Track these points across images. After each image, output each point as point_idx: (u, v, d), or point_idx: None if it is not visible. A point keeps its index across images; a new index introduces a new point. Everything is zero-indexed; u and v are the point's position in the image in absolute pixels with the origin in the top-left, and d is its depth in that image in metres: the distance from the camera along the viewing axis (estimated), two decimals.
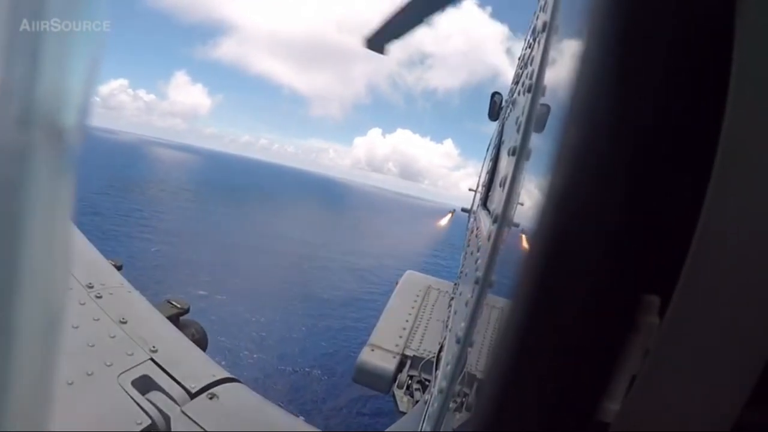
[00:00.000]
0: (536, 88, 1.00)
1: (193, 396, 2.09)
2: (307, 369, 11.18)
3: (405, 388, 3.53)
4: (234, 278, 16.29)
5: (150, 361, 2.19)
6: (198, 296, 12.98)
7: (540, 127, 0.87)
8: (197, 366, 2.30)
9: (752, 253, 0.40)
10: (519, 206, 0.96)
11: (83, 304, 2.38)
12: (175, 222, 25.19)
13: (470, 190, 5.44)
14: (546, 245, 0.41)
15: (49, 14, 0.25)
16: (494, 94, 3.88)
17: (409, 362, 3.72)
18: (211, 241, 22.34)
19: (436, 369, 3.21)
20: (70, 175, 0.27)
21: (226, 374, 2.31)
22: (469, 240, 2.97)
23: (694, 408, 0.44)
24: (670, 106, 0.38)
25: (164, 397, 2.05)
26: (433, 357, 3.61)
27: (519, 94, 1.50)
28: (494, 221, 1.13)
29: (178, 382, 2.11)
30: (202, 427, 1.93)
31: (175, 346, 2.40)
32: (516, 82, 2.19)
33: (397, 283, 5.38)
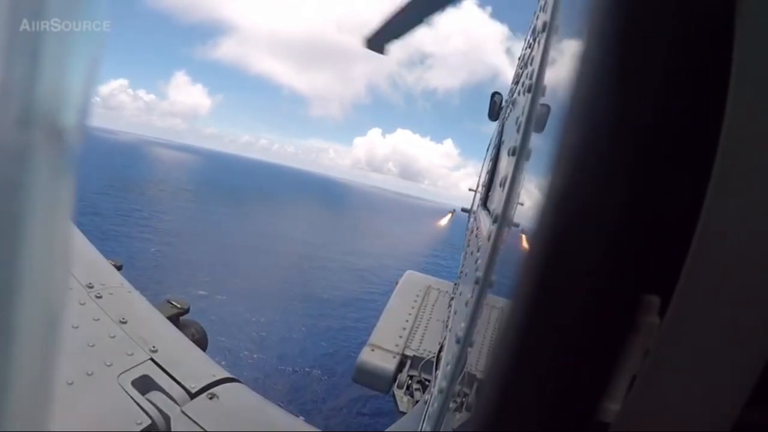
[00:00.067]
0: (536, 88, 1.00)
1: (193, 396, 2.09)
2: (307, 369, 11.18)
3: (405, 388, 3.53)
4: (234, 278, 16.29)
5: (150, 361, 2.19)
6: (198, 296, 12.98)
7: (540, 127, 0.87)
8: (197, 366, 2.30)
9: (752, 253, 0.40)
10: (519, 206, 0.96)
11: (83, 304, 2.38)
12: (175, 222, 25.19)
13: (470, 190, 5.44)
14: (546, 245, 0.41)
15: (49, 14, 0.25)
16: (494, 94, 3.89)
17: (409, 362, 3.72)
18: (211, 241, 22.34)
19: (436, 369, 3.21)
20: (70, 175, 0.27)
21: (226, 374, 2.31)
22: (469, 240, 2.97)
23: (694, 408, 0.44)
24: (670, 106, 0.38)
25: (164, 397, 2.05)
26: (433, 357, 3.61)
27: (519, 94, 1.50)
28: (494, 221, 1.13)
29: (178, 382, 2.11)
30: (202, 427, 1.93)
31: (175, 346, 2.40)
32: (516, 82, 2.19)
33: (397, 283, 5.38)
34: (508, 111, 2.45)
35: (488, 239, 1.16)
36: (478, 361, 1.11)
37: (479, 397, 0.66)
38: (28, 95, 0.24)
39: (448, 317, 3.37)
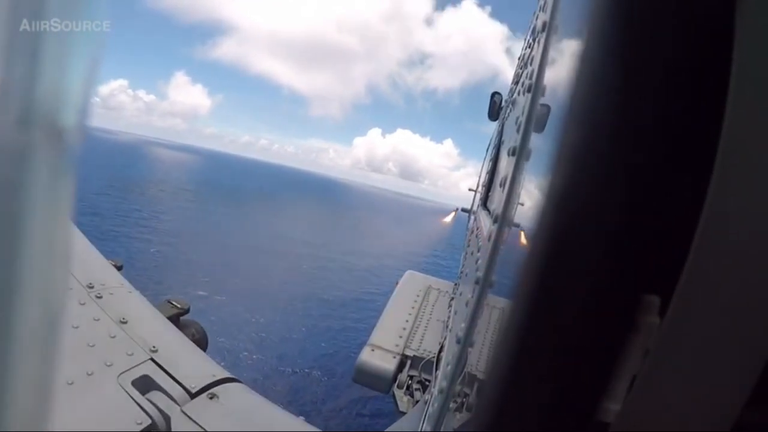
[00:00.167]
0: (536, 88, 1.00)
1: (193, 396, 2.09)
2: (306, 370, 11.17)
3: (405, 388, 3.53)
4: (234, 279, 16.28)
5: (150, 361, 2.19)
6: (198, 297, 12.98)
7: (540, 127, 0.87)
8: (197, 366, 2.30)
9: (752, 253, 0.40)
10: (519, 206, 0.96)
11: (83, 304, 2.38)
12: (175, 222, 25.18)
13: (470, 190, 5.44)
14: (546, 245, 0.41)
15: (49, 14, 0.25)
16: (494, 94, 3.89)
17: (409, 362, 3.72)
18: (210, 241, 22.34)
19: (436, 369, 3.21)
20: (70, 176, 0.27)
21: (226, 374, 2.31)
22: (470, 240, 2.97)
23: (694, 408, 0.44)
24: (670, 106, 0.38)
25: (164, 397, 2.05)
26: (433, 357, 3.61)
27: (519, 94, 1.50)
28: (494, 221, 1.13)
29: (179, 382, 2.11)
30: (202, 427, 1.93)
31: (176, 346, 2.40)
32: (516, 82, 2.19)
33: (397, 283, 5.38)
34: (508, 111, 2.45)
35: (488, 239, 1.16)
36: (478, 361, 1.11)
37: (479, 397, 0.66)
38: (28, 95, 0.24)
39: (449, 317, 3.37)
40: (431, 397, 1.91)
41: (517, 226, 0.89)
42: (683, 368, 0.43)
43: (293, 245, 25.08)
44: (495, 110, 3.69)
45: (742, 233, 0.40)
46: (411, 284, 5.34)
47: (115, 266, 2.89)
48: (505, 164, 1.33)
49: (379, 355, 3.72)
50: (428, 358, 3.67)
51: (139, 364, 2.15)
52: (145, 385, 2.07)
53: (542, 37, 1.04)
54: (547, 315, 0.41)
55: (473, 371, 1.13)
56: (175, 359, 2.25)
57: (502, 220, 1.06)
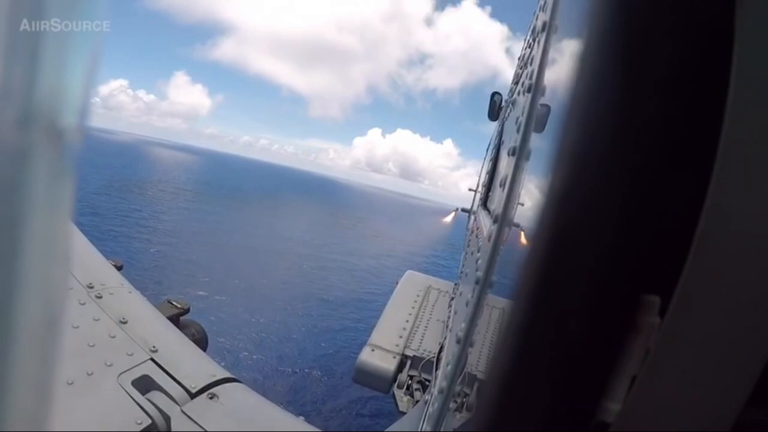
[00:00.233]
0: (536, 88, 1.00)
1: (193, 396, 2.09)
2: (306, 370, 11.18)
3: (405, 388, 3.53)
4: (234, 279, 16.29)
5: (150, 361, 2.19)
6: (197, 297, 12.98)
7: (540, 127, 0.87)
8: (197, 366, 2.30)
9: (752, 253, 0.40)
10: (519, 206, 0.96)
11: (83, 304, 2.38)
12: (175, 222, 25.19)
13: (470, 190, 5.44)
14: (546, 245, 0.41)
15: (49, 14, 0.24)
16: (494, 94, 3.89)
17: (409, 362, 3.72)
18: (210, 241, 22.34)
19: (436, 369, 3.21)
20: (70, 176, 0.27)
21: (226, 374, 2.31)
22: (470, 240, 2.97)
23: (694, 408, 0.44)
24: (670, 106, 0.38)
25: (164, 397, 2.05)
26: (433, 357, 3.61)
27: (519, 94, 1.50)
28: (494, 221, 1.13)
29: (179, 382, 2.11)
30: (202, 427, 1.93)
31: (176, 346, 2.40)
32: (516, 82, 2.19)
33: (397, 283, 5.38)
34: (508, 111, 2.45)
35: (488, 239, 1.16)
36: (478, 361, 1.11)
37: (479, 397, 0.66)
38: (28, 95, 0.24)
39: (449, 317, 3.37)
40: (431, 397, 1.91)
41: (517, 226, 0.89)
42: (683, 368, 0.43)
43: (293, 245, 25.09)
44: (495, 110, 3.70)
45: (742, 233, 0.40)
46: (411, 284, 5.34)
47: (115, 266, 2.89)
48: (505, 164, 1.33)
49: (379, 355, 3.72)
50: (428, 358, 3.67)
51: (139, 364, 2.15)
52: (145, 385, 2.07)
53: (542, 37, 1.04)
54: (547, 315, 0.41)
55: (473, 371, 1.13)
56: (175, 359, 2.25)
57: (502, 220, 1.06)
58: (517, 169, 1.01)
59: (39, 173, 0.26)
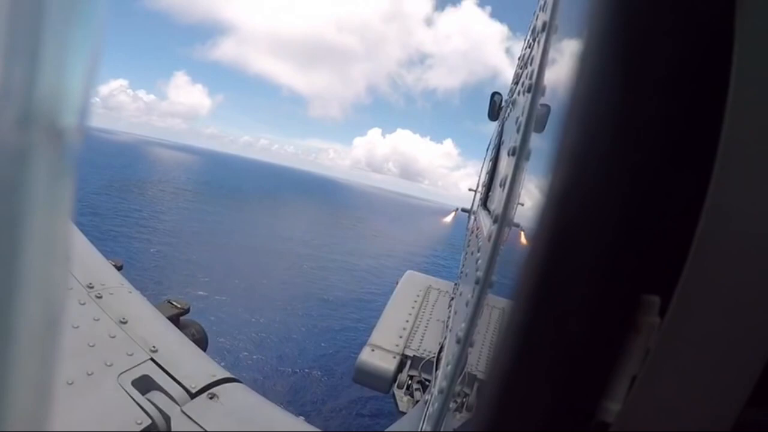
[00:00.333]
0: (536, 88, 1.00)
1: (193, 396, 2.09)
2: (306, 370, 11.18)
3: (405, 388, 3.53)
4: (234, 279, 16.29)
5: (150, 361, 2.19)
6: (197, 297, 12.98)
7: (540, 127, 0.87)
8: (197, 366, 2.30)
9: (752, 253, 0.40)
10: (519, 206, 0.96)
11: (83, 304, 2.38)
12: (175, 222, 25.19)
13: (470, 190, 5.44)
14: (546, 245, 0.41)
15: (48, 14, 0.25)
16: (494, 94, 3.89)
17: (409, 362, 3.72)
18: (210, 241, 22.35)
19: (436, 369, 3.21)
20: (69, 176, 0.27)
21: (226, 374, 2.31)
22: (470, 240, 2.97)
23: (694, 408, 0.44)
24: (670, 105, 0.38)
25: (164, 397, 2.05)
26: (433, 357, 3.61)
27: (519, 94, 1.50)
28: (494, 221, 1.13)
29: (179, 382, 2.11)
30: (202, 427, 1.93)
31: (176, 346, 2.40)
32: (516, 82, 2.19)
33: (397, 283, 5.38)
34: (508, 111, 2.45)
35: (488, 239, 1.16)
36: (478, 361, 1.11)
37: (479, 397, 0.66)
38: (28, 95, 0.24)
39: (449, 317, 3.37)
40: (431, 397, 1.91)
41: (517, 226, 0.89)
42: (683, 368, 0.43)
43: (293, 245, 25.10)
44: (495, 110, 3.70)
45: (742, 233, 0.40)
46: (411, 284, 5.34)
47: (115, 266, 2.89)
48: (505, 164, 1.33)
49: (379, 355, 3.72)
50: (428, 358, 3.67)
51: (139, 364, 2.15)
52: (145, 385, 2.07)
53: (542, 37, 1.04)
54: (547, 315, 0.41)
55: (473, 371, 1.13)
56: (175, 359, 2.25)
57: (502, 220, 1.06)
58: (517, 169, 1.01)
59: (39, 173, 0.25)
